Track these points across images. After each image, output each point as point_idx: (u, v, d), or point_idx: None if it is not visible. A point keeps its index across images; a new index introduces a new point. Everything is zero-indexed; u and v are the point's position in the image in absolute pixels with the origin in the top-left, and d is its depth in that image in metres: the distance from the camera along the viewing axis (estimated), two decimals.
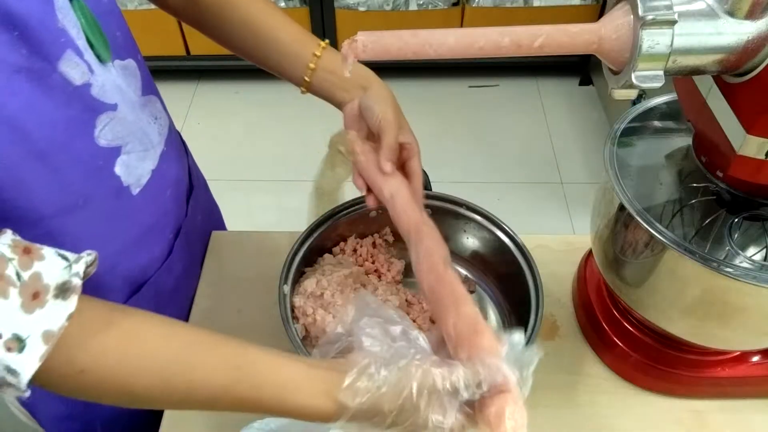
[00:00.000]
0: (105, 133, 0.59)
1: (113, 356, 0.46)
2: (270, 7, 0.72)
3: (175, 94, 2.46)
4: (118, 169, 0.61)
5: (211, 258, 0.89)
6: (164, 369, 0.48)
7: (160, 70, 2.51)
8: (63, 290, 0.44)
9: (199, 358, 0.49)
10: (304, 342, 0.74)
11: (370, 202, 0.69)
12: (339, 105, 0.71)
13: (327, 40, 0.71)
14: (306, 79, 0.70)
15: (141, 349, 0.48)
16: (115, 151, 0.61)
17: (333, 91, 0.71)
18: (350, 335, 0.55)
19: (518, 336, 0.51)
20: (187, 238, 0.79)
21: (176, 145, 0.76)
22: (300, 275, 0.78)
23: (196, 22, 0.74)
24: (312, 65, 0.70)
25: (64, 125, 0.54)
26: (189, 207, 0.80)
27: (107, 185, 0.61)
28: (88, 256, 0.47)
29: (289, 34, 0.71)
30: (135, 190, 0.65)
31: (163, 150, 0.69)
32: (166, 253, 0.75)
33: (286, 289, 0.73)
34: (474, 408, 0.49)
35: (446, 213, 0.81)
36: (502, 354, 0.49)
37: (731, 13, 0.47)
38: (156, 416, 0.74)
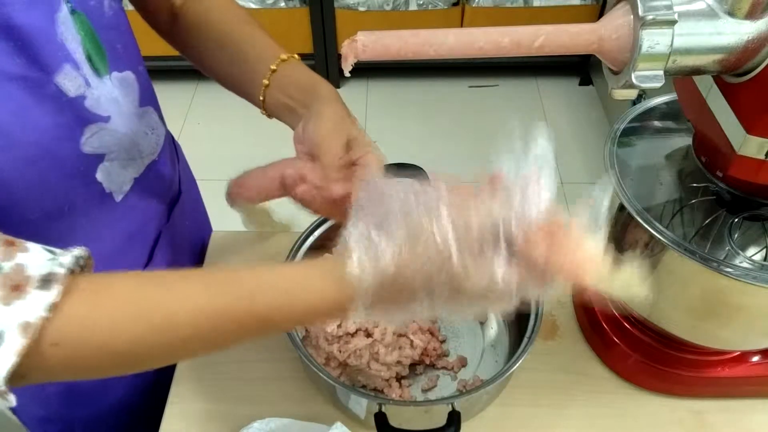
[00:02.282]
0: (92, 141, 0.58)
1: (84, 319, 0.42)
2: (246, 25, 0.68)
3: (175, 94, 2.46)
4: (100, 175, 0.61)
5: (211, 258, 0.89)
6: (142, 315, 0.42)
7: (160, 70, 2.50)
8: (46, 281, 0.40)
9: (179, 292, 0.43)
10: (304, 342, 0.74)
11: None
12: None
13: (296, 56, 0.64)
14: (261, 98, 0.63)
15: (112, 304, 0.43)
16: (97, 158, 0.60)
17: (284, 114, 0.63)
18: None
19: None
20: (171, 244, 0.78)
21: (168, 154, 0.76)
22: None
23: (178, 44, 0.73)
24: (266, 82, 0.62)
25: (52, 133, 0.54)
26: (173, 213, 0.79)
27: (90, 191, 0.61)
28: (78, 250, 0.43)
29: (254, 51, 0.65)
30: (118, 197, 0.65)
31: (153, 160, 0.69)
32: (145, 259, 0.74)
33: None
34: (524, 258, 0.41)
35: None
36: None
37: (731, 13, 0.47)
38: (137, 417, 0.74)
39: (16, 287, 0.40)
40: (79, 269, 0.43)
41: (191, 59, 0.73)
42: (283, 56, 0.63)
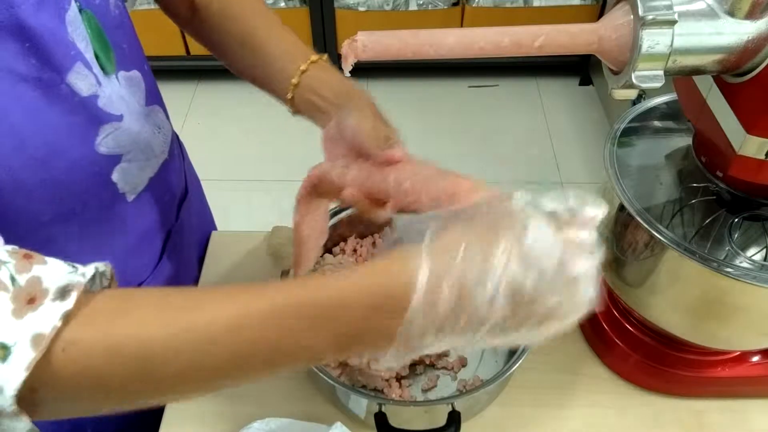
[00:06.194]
0: (107, 141, 0.59)
1: (99, 328, 0.39)
2: (269, 21, 0.68)
3: (175, 94, 2.46)
4: (116, 176, 0.61)
5: (211, 258, 0.89)
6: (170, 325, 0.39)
7: (160, 70, 2.49)
8: (64, 292, 0.38)
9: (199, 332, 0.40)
10: None
11: (387, 212, 0.56)
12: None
13: (325, 55, 0.65)
14: (289, 96, 0.64)
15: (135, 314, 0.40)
16: (114, 159, 0.60)
17: (313, 114, 0.63)
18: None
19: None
20: (179, 242, 0.79)
21: (176, 152, 0.76)
22: None
23: (201, 37, 0.73)
24: (295, 81, 0.63)
25: (65, 133, 0.55)
26: (181, 211, 0.80)
27: (104, 192, 0.61)
28: (100, 265, 0.42)
29: (279, 48, 0.65)
30: (130, 197, 0.65)
31: (165, 159, 0.69)
32: (156, 259, 0.74)
33: None
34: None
35: None
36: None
37: (731, 13, 0.47)
38: (147, 415, 0.74)
39: (31, 300, 0.38)
40: (99, 282, 0.42)
41: (215, 54, 0.72)
42: (314, 57, 0.64)
